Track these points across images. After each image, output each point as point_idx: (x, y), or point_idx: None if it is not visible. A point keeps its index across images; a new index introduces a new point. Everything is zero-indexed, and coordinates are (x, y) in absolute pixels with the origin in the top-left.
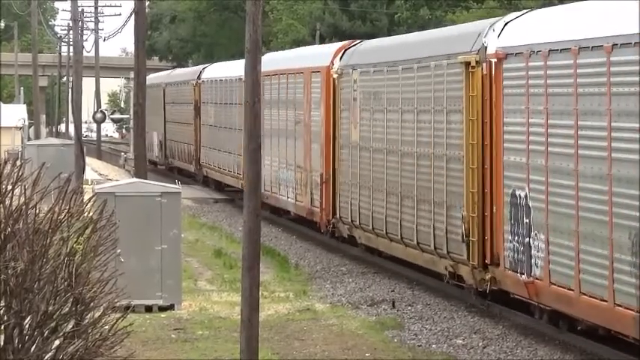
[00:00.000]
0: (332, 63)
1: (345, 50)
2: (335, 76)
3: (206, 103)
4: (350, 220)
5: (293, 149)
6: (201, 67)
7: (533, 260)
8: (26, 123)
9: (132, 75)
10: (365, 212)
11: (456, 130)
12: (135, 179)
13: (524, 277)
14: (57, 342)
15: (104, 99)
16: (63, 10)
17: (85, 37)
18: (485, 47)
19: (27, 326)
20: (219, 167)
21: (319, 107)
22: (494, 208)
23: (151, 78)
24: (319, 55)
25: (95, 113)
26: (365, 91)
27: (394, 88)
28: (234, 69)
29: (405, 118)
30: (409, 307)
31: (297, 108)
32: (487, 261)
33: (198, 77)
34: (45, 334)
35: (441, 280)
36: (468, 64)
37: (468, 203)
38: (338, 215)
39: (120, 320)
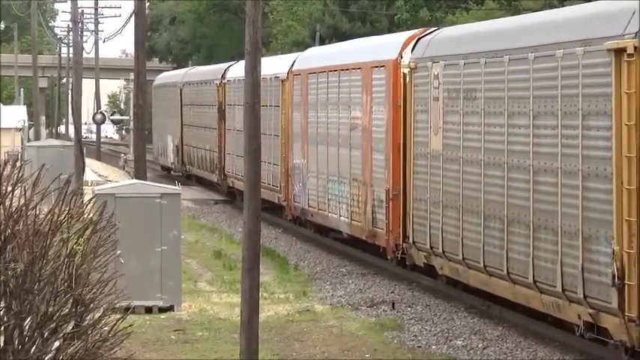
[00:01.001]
0: (400, 55)
1: (418, 40)
2: (406, 70)
3: (232, 106)
4: (428, 246)
5: (347, 159)
6: (225, 64)
7: None
8: (26, 124)
9: (132, 76)
10: (451, 238)
11: (600, 138)
12: (135, 180)
13: None
14: (57, 343)
15: (104, 100)
16: (63, 12)
17: (84, 39)
18: None
19: (27, 327)
20: None
21: (383, 109)
22: None
23: (166, 77)
24: (382, 46)
25: (95, 114)
26: (451, 89)
27: (497, 85)
28: (268, 66)
29: (515, 122)
30: (409, 309)
31: (352, 110)
32: None
33: (223, 76)
34: (45, 335)
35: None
36: (620, 51)
37: (620, 235)
38: (411, 239)
39: (120, 321)
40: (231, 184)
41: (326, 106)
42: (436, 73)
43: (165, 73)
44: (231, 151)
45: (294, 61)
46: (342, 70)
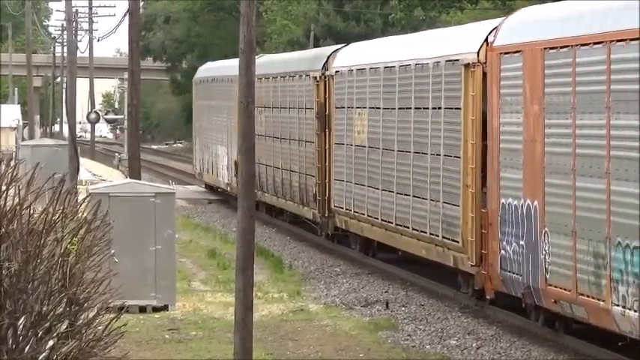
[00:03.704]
0: None
1: None
2: None
3: (348, 109)
4: None
5: None
6: (328, 49)
7: None
8: (20, 123)
9: (126, 75)
10: None
11: None
12: (129, 180)
13: None
14: (51, 342)
15: (98, 99)
16: (57, 11)
17: (79, 38)
18: None
19: (21, 326)
20: (383, 220)
21: None
22: None
23: (215, 69)
24: None
25: (89, 114)
26: None
27: None
28: (426, 45)
29: None
30: (403, 308)
31: None
32: None
33: (325, 66)
34: (39, 335)
35: (431, 279)
36: None
37: None
38: None
39: (114, 321)
40: (341, 225)
41: (604, 106)
42: None
43: (212, 64)
44: (344, 176)
45: (496, 31)
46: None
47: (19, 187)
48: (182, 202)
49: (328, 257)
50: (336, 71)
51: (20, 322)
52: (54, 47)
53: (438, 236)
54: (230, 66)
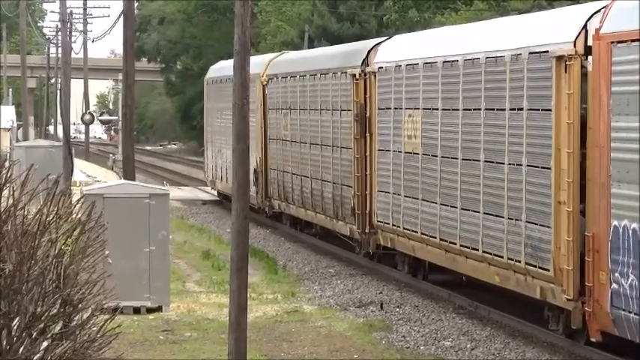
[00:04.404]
0: None
1: None
2: None
3: (395, 111)
4: None
5: None
6: (368, 42)
7: None
8: (15, 124)
9: (120, 77)
10: None
11: None
12: (123, 181)
13: None
14: (45, 343)
15: (93, 100)
16: (51, 12)
17: (73, 39)
18: None
19: (15, 327)
20: (443, 239)
21: None
22: None
23: (229, 67)
24: None
25: (83, 115)
26: None
27: None
28: (493, 36)
29: None
30: (397, 309)
31: None
32: None
33: (365, 62)
34: (33, 336)
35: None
36: None
37: None
38: None
39: (108, 322)
40: (387, 243)
41: None
42: None
43: (225, 63)
44: (392, 188)
45: (603, 16)
46: None
47: (13, 188)
48: (176, 203)
49: (322, 258)
50: (380, 67)
51: (14, 323)
52: (48, 48)
53: (519, 262)
54: (252, 63)
